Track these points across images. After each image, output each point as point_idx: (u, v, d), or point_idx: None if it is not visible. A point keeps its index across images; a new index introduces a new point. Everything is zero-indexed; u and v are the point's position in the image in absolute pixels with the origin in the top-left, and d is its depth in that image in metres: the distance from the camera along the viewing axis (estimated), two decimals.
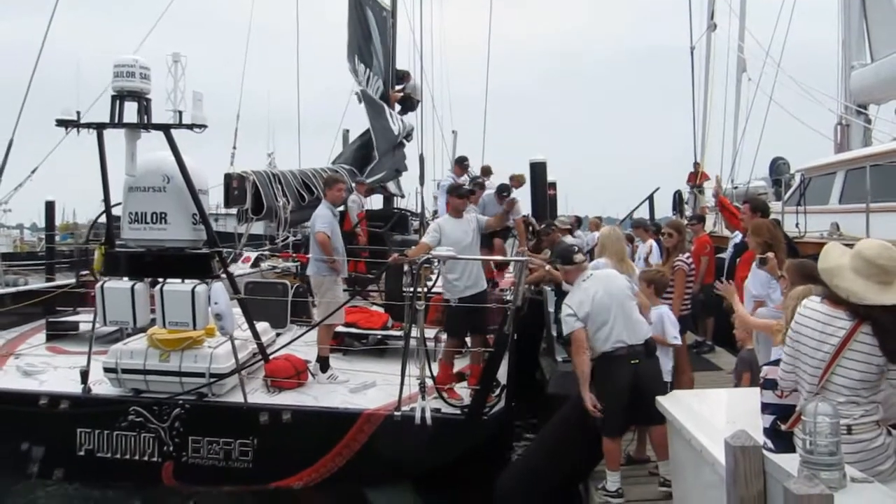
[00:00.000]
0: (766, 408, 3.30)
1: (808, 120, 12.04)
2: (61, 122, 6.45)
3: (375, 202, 13.65)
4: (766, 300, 5.03)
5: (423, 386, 5.88)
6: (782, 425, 3.10)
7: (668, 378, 5.05)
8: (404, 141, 12.63)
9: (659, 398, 4.14)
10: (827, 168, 10.34)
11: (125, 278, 6.54)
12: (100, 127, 6.53)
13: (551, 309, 8.38)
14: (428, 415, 5.84)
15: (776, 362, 3.32)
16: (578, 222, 16.78)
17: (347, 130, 15.38)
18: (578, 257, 4.96)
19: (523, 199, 14.35)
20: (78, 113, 6.48)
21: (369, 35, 12.11)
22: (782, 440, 3.09)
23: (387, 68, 12.76)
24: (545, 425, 5.50)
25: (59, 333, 8.51)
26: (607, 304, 4.68)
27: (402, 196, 14.93)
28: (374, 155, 11.47)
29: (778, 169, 13.53)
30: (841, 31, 12.48)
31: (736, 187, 13.40)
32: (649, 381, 4.60)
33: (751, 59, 13.22)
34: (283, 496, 6.06)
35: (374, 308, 8.64)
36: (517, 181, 12.57)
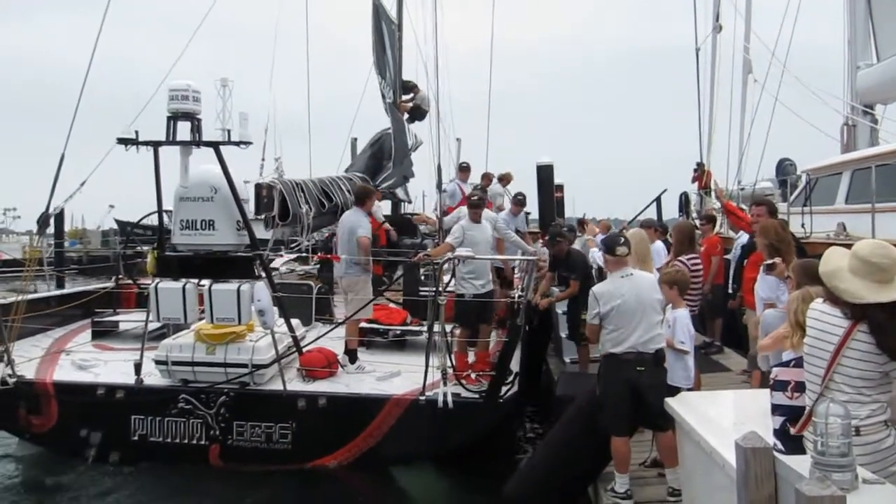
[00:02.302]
0: (776, 409, 3.31)
1: (814, 120, 11.98)
2: (122, 141, 7.08)
3: (383, 207, 13.90)
4: (776, 302, 5.04)
5: (444, 373, 6.47)
6: (792, 428, 3.11)
7: (686, 384, 4.89)
8: (412, 151, 13.08)
9: (668, 400, 4.15)
10: (833, 168, 10.32)
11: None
12: (156, 144, 7.21)
13: (560, 311, 8.42)
14: (449, 399, 6.42)
15: (787, 363, 3.33)
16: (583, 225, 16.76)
17: (355, 139, 15.76)
18: (621, 250, 4.88)
19: (530, 201, 14.58)
20: (136, 132, 7.12)
21: (384, 47, 12.64)
22: (792, 441, 3.09)
23: (395, 78, 13.21)
24: (553, 428, 5.51)
25: (104, 331, 9.18)
26: (634, 309, 4.69)
27: (410, 202, 15.18)
28: (385, 163, 11.93)
29: (784, 170, 13.49)
30: (846, 31, 12.44)
31: (742, 188, 13.36)
32: (652, 389, 4.62)
33: (756, 60, 13.19)
34: (320, 474, 6.62)
35: (393, 306, 9.19)
36: (506, 179, 12.98)
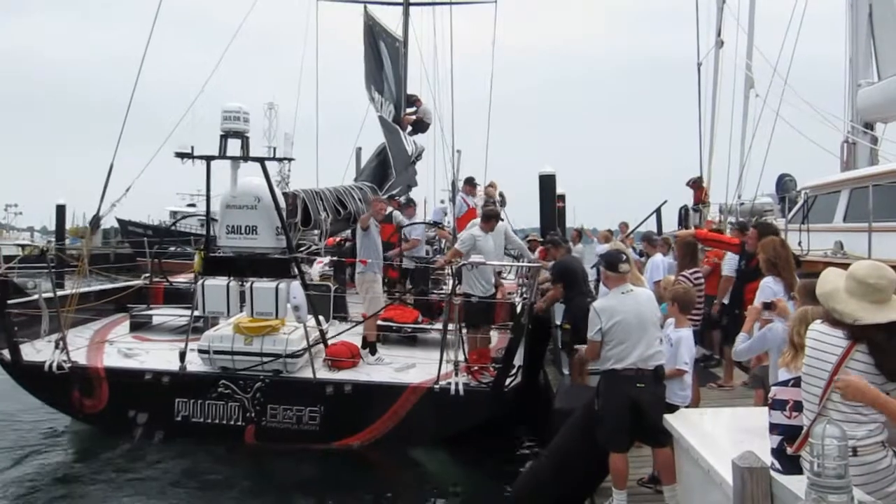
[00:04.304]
0: (773, 428, 3.34)
1: (815, 137, 11.98)
2: (179, 154, 7.90)
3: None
4: (775, 318, 5.07)
5: (457, 365, 7.26)
6: (789, 448, 3.14)
7: (683, 402, 4.91)
8: (415, 159, 13.72)
9: (667, 416, 4.18)
10: (831, 186, 10.35)
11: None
12: (209, 159, 8.09)
13: (559, 322, 8.49)
14: (461, 388, 7.19)
15: (785, 382, 3.36)
16: (579, 235, 16.92)
17: (360, 148, 16.22)
18: (623, 267, 4.91)
19: (533, 210, 14.93)
20: (192, 147, 7.94)
21: (381, 64, 13.12)
22: (789, 461, 3.12)
23: (398, 94, 13.69)
24: (555, 437, 5.52)
25: (140, 324, 10.00)
26: (635, 326, 4.71)
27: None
28: (390, 172, 12.44)
29: (784, 185, 13.52)
30: (848, 48, 12.50)
31: (742, 203, 13.40)
32: (651, 405, 4.64)
33: (758, 75, 13.23)
34: (344, 453, 7.39)
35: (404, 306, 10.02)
36: (493, 188, 13.29)
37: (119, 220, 39.68)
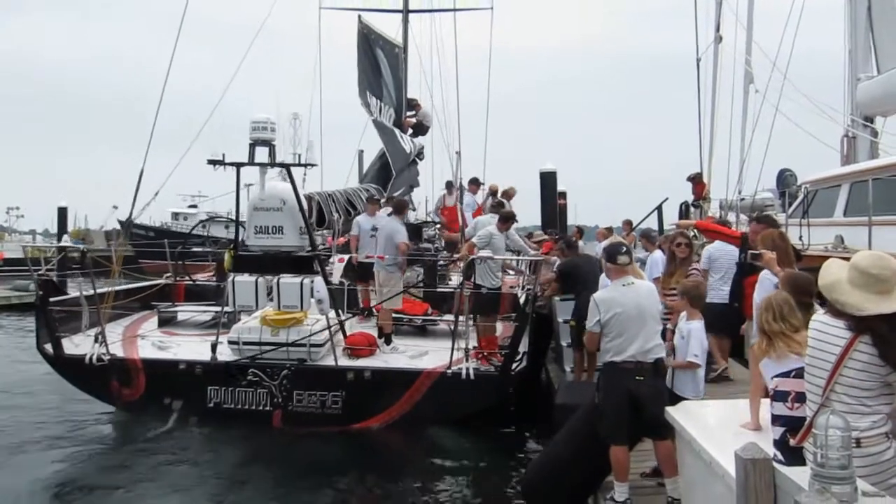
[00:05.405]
0: (776, 419, 3.33)
1: (815, 131, 11.97)
2: (211, 161, 8.47)
3: None
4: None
5: (467, 351, 7.87)
6: (792, 439, 3.13)
7: (694, 396, 4.86)
8: (416, 159, 14.16)
9: (668, 408, 4.16)
10: (831, 181, 10.35)
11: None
12: (239, 165, 8.68)
13: (560, 319, 8.51)
14: (471, 372, 7.80)
15: (787, 373, 3.35)
16: (580, 233, 16.93)
17: (362, 151, 16.45)
18: (622, 259, 4.91)
19: (533, 208, 15.14)
20: (223, 154, 8.52)
21: (379, 71, 13.51)
22: (792, 452, 3.11)
23: (399, 98, 14.09)
24: (570, 422, 5.45)
25: (167, 319, 10.71)
26: (635, 318, 4.70)
27: (414, 209, 15.68)
28: (392, 174, 12.87)
29: (784, 180, 13.51)
30: (847, 42, 12.47)
31: (743, 199, 13.39)
32: (651, 398, 4.63)
33: (757, 70, 13.20)
34: (365, 434, 7.98)
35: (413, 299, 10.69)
36: (508, 195, 13.53)
37: (120, 222, 39.75)
